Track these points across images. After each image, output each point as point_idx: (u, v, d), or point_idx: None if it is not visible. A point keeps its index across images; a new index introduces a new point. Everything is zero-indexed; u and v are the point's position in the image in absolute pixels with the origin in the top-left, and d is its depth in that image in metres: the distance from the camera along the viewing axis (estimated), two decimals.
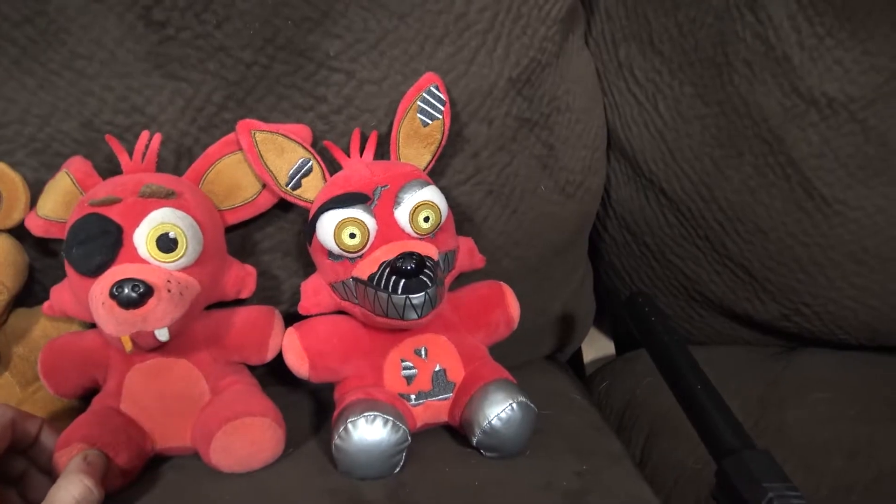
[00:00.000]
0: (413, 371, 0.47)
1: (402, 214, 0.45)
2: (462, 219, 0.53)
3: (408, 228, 0.46)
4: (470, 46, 0.51)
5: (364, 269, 0.45)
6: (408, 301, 0.43)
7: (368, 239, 0.45)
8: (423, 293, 0.43)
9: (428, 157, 0.49)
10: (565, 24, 0.57)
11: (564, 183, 0.57)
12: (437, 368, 0.47)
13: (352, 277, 0.45)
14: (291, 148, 0.47)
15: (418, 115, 0.49)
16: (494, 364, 0.49)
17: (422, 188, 0.46)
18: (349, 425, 0.42)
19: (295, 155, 0.47)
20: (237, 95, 0.49)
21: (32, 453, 0.43)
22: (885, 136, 0.54)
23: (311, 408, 0.53)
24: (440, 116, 0.49)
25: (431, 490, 0.41)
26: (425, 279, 0.43)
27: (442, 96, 0.49)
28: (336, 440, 0.43)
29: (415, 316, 0.43)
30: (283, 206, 0.50)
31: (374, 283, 0.43)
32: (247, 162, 0.47)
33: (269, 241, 0.51)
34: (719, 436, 0.39)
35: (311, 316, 0.49)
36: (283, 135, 0.47)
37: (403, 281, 0.43)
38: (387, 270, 0.43)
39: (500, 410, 0.44)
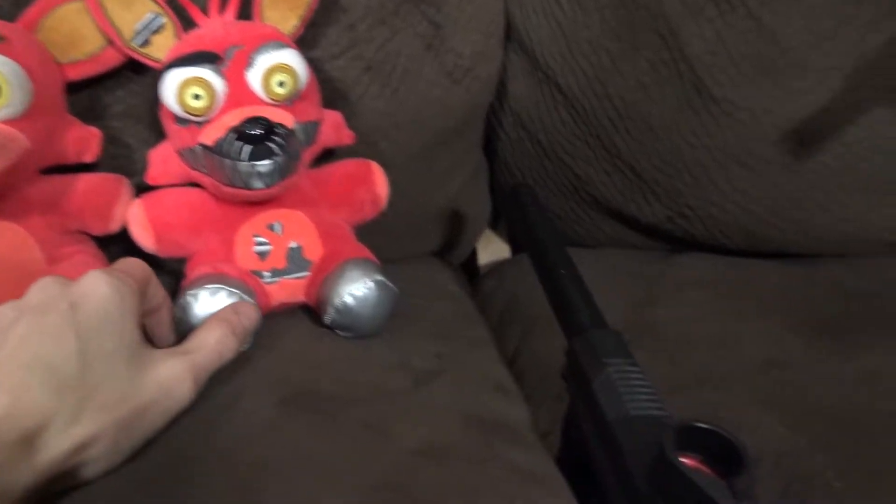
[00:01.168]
0: (267, 247, 0.45)
1: (254, 77, 0.42)
2: (336, 95, 0.50)
3: (261, 93, 0.42)
4: None
5: (211, 135, 0.41)
6: (253, 168, 0.40)
7: (215, 102, 0.42)
8: (270, 161, 0.40)
9: (295, 22, 0.46)
10: None
11: (452, 67, 0.54)
12: (293, 245, 0.45)
13: (199, 144, 0.42)
14: (140, 0, 0.43)
15: None
16: (356, 243, 0.47)
17: (279, 50, 0.42)
18: (189, 297, 0.40)
19: (143, 8, 0.43)
20: None
21: None
22: (778, 35, 0.53)
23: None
24: None
25: (275, 363, 0.39)
26: (273, 146, 0.40)
27: None
28: (177, 312, 0.40)
29: (260, 185, 0.41)
30: (136, 68, 0.46)
31: (221, 149, 0.41)
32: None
33: (120, 105, 0.47)
34: (572, 316, 0.38)
35: (160, 187, 0.46)
36: None
37: (250, 147, 0.40)
38: (231, 135, 0.41)
39: (354, 288, 0.42)
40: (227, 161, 0.40)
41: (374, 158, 0.52)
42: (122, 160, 0.48)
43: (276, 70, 0.42)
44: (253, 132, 0.40)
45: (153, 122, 0.47)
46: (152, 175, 0.45)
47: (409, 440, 0.34)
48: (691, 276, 0.58)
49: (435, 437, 0.34)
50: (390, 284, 0.44)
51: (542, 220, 0.46)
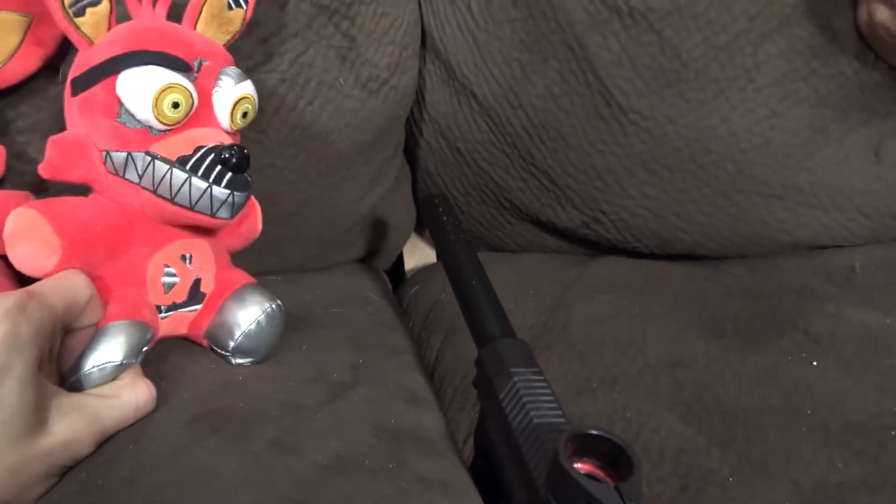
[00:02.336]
0: (174, 279, 0.42)
1: (222, 102, 0.41)
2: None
3: (224, 119, 0.41)
4: None
5: (172, 149, 0.39)
6: (230, 197, 0.39)
7: (187, 114, 0.39)
8: (246, 192, 0.40)
9: (222, 42, 0.45)
10: None
11: (367, 78, 0.55)
12: (196, 278, 0.43)
13: (147, 152, 0.39)
14: None
15: None
16: (240, 271, 0.46)
17: (243, 79, 0.42)
18: (82, 378, 0.37)
19: None
20: None
21: None
22: (679, 48, 0.56)
23: None
24: (244, 6, 0.45)
25: (185, 386, 0.39)
26: (248, 177, 0.40)
27: None
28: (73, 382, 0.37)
29: (226, 216, 0.39)
30: (42, 82, 0.45)
31: (189, 167, 0.38)
32: None
33: (25, 120, 0.46)
34: (482, 326, 0.40)
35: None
36: None
37: (230, 174, 0.38)
38: (209, 157, 0.38)
39: (255, 316, 0.42)
40: (198, 182, 0.38)
41: (292, 171, 0.52)
42: (30, 176, 0.47)
43: (242, 101, 0.41)
44: (235, 160, 0.38)
45: None
46: (54, 165, 0.39)
47: (318, 455, 0.34)
48: (603, 280, 0.60)
49: (344, 451, 0.35)
50: (276, 309, 0.43)
51: (454, 229, 0.48)
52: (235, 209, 0.40)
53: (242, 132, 0.51)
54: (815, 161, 0.58)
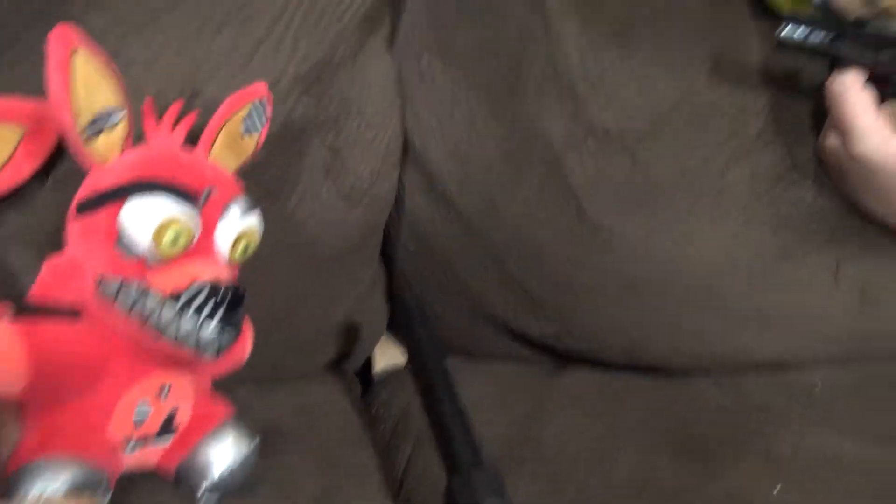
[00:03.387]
0: (146, 413, 0.41)
1: (225, 234, 0.40)
2: None
3: (224, 251, 0.41)
4: (253, 36, 0.49)
5: (167, 281, 0.38)
6: (218, 339, 0.38)
7: (186, 248, 0.38)
8: (235, 334, 0.39)
9: (234, 167, 0.45)
10: (365, 25, 0.56)
11: (349, 189, 0.56)
12: (171, 411, 0.42)
13: (140, 283, 0.38)
14: (109, 87, 0.39)
15: (243, 121, 0.45)
16: (218, 400, 0.45)
17: (250, 213, 0.42)
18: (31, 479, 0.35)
19: (108, 98, 0.39)
20: None
21: None
22: (650, 169, 0.58)
23: None
24: (258, 132, 0.46)
25: None
26: (240, 318, 0.39)
27: (267, 113, 0.46)
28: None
29: (212, 357, 0.38)
30: (32, 189, 0.45)
31: (181, 304, 0.37)
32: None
33: (6, 227, 0.45)
34: (453, 452, 0.40)
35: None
36: (108, 66, 0.39)
37: (221, 314, 0.38)
38: (202, 295, 0.37)
39: (230, 460, 0.42)
40: (189, 317, 0.37)
41: (269, 280, 0.52)
42: (5, 287, 0.46)
43: (245, 235, 0.41)
44: (230, 296, 0.38)
45: (42, 246, 0.46)
46: (45, 288, 0.39)
47: None
48: (575, 393, 0.61)
49: None
50: (258, 444, 0.43)
51: (429, 345, 0.48)
52: (222, 350, 0.38)
53: None
54: (777, 283, 0.60)
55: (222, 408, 0.44)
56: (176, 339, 0.37)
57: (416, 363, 0.47)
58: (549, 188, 0.60)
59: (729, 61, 0.59)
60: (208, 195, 0.40)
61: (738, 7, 0.61)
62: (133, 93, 0.46)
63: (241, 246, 0.41)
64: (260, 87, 0.46)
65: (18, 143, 0.43)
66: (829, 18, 0.51)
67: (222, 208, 0.40)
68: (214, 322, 0.37)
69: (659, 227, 0.59)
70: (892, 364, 0.64)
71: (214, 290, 0.37)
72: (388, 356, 0.78)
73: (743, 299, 0.60)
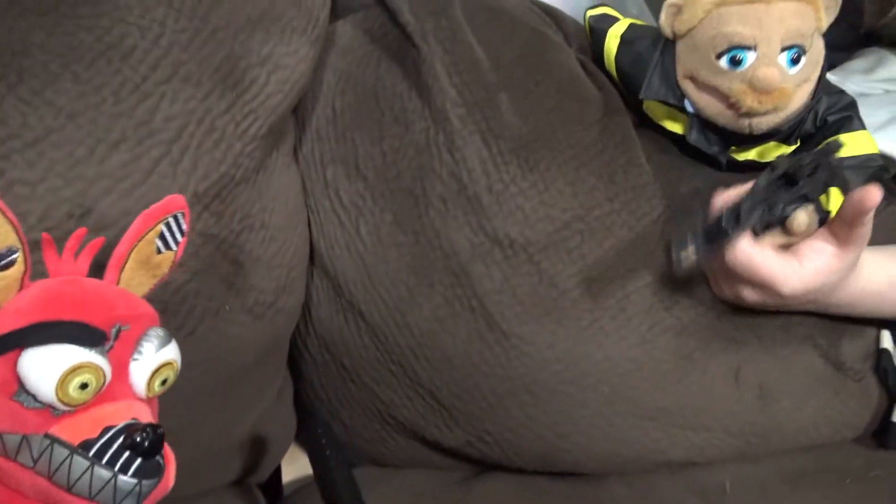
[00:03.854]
0: None
1: (140, 372, 0.38)
2: None
3: (141, 389, 0.38)
4: (151, 155, 0.48)
5: (76, 431, 0.35)
6: (137, 487, 0.34)
7: (96, 394, 0.35)
8: (156, 479, 0.36)
9: (146, 291, 0.43)
10: (267, 140, 0.56)
11: (253, 303, 0.55)
12: None
13: (46, 435, 0.35)
14: (2, 229, 0.36)
15: (157, 240, 0.42)
16: None
17: (167, 342, 0.39)
18: None
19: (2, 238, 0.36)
20: None
21: None
22: (555, 278, 0.59)
23: None
24: (175, 248, 0.43)
25: None
26: (160, 461, 0.36)
27: (184, 227, 0.43)
28: None
29: None
30: None
31: (93, 453, 0.34)
32: None
33: None
34: None
35: None
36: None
37: (139, 460, 0.35)
38: (116, 442, 0.35)
39: None
40: (101, 471, 0.34)
41: (170, 397, 0.49)
42: None
43: (164, 368, 0.38)
44: (146, 444, 0.34)
45: None
46: None
47: None
48: (489, 501, 0.60)
49: None
50: None
51: (335, 456, 0.46)
52: (142, 498, 0.35)
53: None
54: (682, 385, 0.62)
55: None
56: (90, 492, 0.35)
57: (322, 475, 0.45)
58: (456, 297, 0.60)
59: (622, 174, 0.62)
60: (118, 332, 0.37)
61: (625, 122, 0.65)
62: (17, 214, 0.44)
63: (158, 380, 0.39)
64: (176, 200, 0.43)
65: None
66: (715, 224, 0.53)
67: (135, 344, 0.38)
68: (132, 470, 0.34)
69: (566, 335, 0.60)
70: (792, 457, 0.66)
71: (129, 435, 0.35)
72: (295, 466, 0.75)
73: (650, 400, 0.61)
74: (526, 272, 0.59)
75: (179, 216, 0.43)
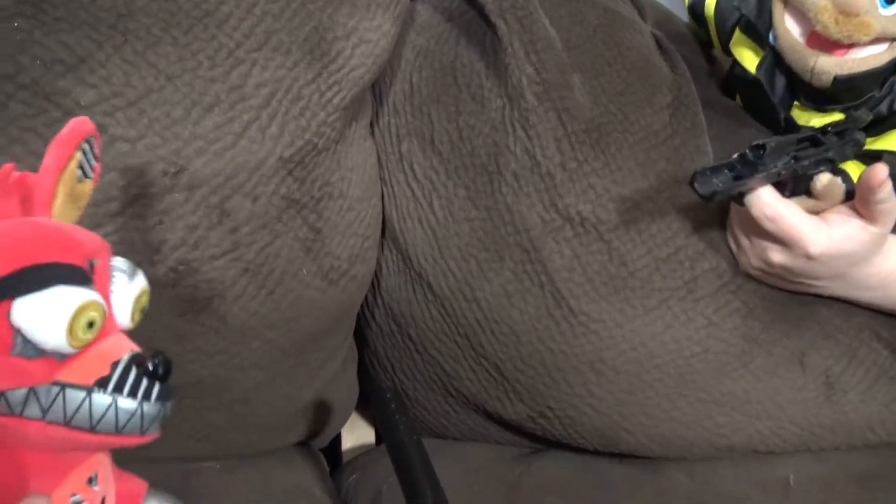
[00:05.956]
0: None
1: (122, 302, 0.37)
2: (212, 294, 0.50)
3: (125, 320, 0.37)
4: (242, 119, 0.50)
5: (85, 372, 0.34)
6: (160, 411, 0.35)
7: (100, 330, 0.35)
8: (174, 400, 0.36)
9: (77, 215, 0.39)
10: (348, 111, 0.57)
11: (328, 269, 0.56)
12: (102, 497, 0.38)
13: (55, 382, 0.34)
14: None
15: (78, 169, 0.38)
16: (128, 476, 0.42)
17: (135, 269, 0.38)
18: None
19: None
20: None
21: None
22: (625, 257, 0.60)
23: None
24: (91, 176, 0.39)
25: None
26: (171, 383, 0.36)
27: (97, 151, 0.39)
28: None
29: (156, 430, 0.35)
30: None
31: (112, 389, 0.34)
32: None
33: None
34: None
35: None
36: None
37: (158, 385, 0.35)
38: (132, 373, 0.35)
39: None
40: (126, 403, 0.34)
41: (245, 358, 0.52)
42: None
43: (142, 295, 0.38)
44: (161, 369, 0.35)
45: None
46: None
47: None
48: (548, 481, 0.60)
49: None
50: None
51: (408, 432, 0.47)
52: (164, 420, 0.36)
53: (201, 320, 0.51)
54: (748, 369, 0.61)
55: (138, 481, 0.41)
56: (116, 426, 0.35)
57: (391, 441, 0.46)
58: (526, 273, 0.61)
59: (689, 161, 0.61)
60: (92, 267, 0.36)
61: (696, 107, 0.65)
62: (118, 169, 0.46)
63: (139, 308, 0.38)
64: (83, 123, 0.38)
65: None
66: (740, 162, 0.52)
67: (108, 277, 0.37)
68: (154, 396, 0.35)
69: (635, 314, 0.60)
70: (859, 454, 0.65)
71: (142, 364, 0.35)
72: (356, 434, 0.77)
73: (715, 384, 0.61)
74: (596, 250, 0.60)
75: (92, 141, 0.39)
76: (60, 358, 0.34)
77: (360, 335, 0.68)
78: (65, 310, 0.33)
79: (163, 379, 0.35)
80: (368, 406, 0.76)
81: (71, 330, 0.33)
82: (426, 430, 0.70)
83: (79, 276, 0.35)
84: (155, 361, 0.35)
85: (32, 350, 0.33)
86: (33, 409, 0.34)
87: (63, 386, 0.34)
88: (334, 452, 0.75)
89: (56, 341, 0.33)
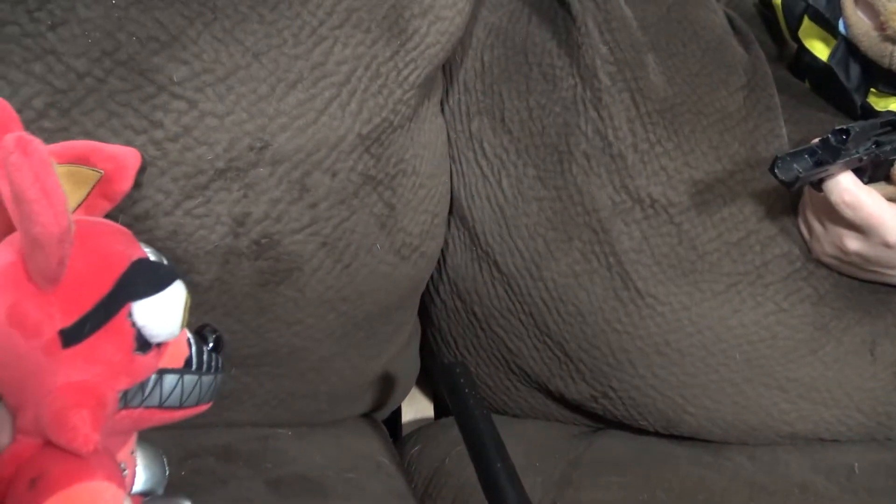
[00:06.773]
0: (125, 474, 0.39)
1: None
2: (292, 267, 0.52)
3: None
4: (323, 96, 0.51)
5: (174, 356, 0.37)
6: (220, 378, 0.38)
7: None
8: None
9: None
10: (422, 89, 0.58)
11: (401, 245, 0.57)
12: (138, 464, 0.40)
13: (158, 371, 0.36)
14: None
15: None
16: None
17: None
18: None
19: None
20: (62, 104, 0.45)
21: None
22: (695, 240, 0.59)
23: None
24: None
25: None
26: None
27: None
28: None
29: (215, 397, 0.38)
30: None
31: (195, 367, 0.37)
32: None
33: None
34: None
35: None
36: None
37: (217, 356, 0.38)
38: (205, 350, 0.37)
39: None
40: (207, 378, 0.37)
41: (320, 329, 0.53)
42: None
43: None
44: (220, 342, 0.38)
45: None
46: (93, 440, 0.32)
47: None
48: (610, 458, 0.61)
49: None
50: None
51: (477, 404, 0.48)
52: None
53: (281, 290, 0.52)
54: (817, 356, 0.61)
55: None
56: (199, 399, 0.37)
57: (464, 419, 0.47)
58: (594, 253, 0.61)
59: (763, 144, 0.61)
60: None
61: (770, 90, 0.64)
62: (205, 144, 0.48)
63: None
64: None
65: (94, 185, 0.44)
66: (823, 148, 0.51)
67: None
68: (220, 367, 0.38)
69: (702, 298, 0.60)
70: None
71: (208, 341, 0.38)
72: (415, 407, 0.78)
73: (782, 370, 0.61)
74: (666, 232, 0.60)
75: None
76: (159, 347, 0.36)
77: (424, 311, 0.70)
78: (179, 304, 0.35)
79: (219, 348, 0.38)
80: (427, 381, 0.78)
81: (184, 317, 0.36)
82: (487, 407, 0.71)
83: (170, 270, 0.36)
84: (215, 336, 0.38)
85: (146, 345, 0.35)
86: (137, 399, 0.36)
87: (162, 372, 0.36)
88: (394, 425, 0.76)
89: (172, 332, 0.35)
